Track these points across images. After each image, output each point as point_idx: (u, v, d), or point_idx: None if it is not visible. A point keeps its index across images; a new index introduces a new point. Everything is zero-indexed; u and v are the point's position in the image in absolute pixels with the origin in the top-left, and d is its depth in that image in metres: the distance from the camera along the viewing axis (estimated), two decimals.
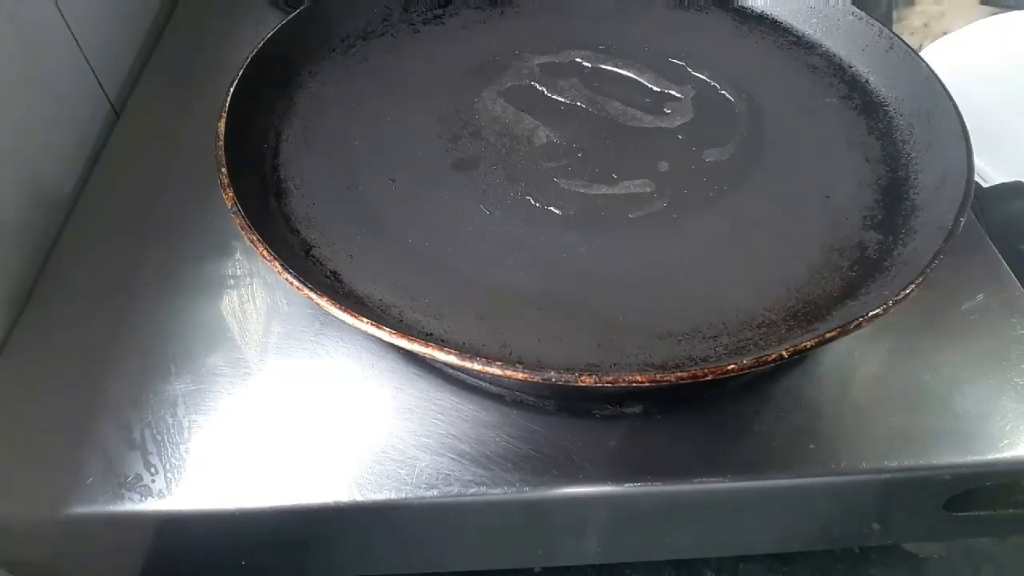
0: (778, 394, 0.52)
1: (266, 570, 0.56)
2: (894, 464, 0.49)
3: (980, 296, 0.57)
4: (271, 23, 0.65)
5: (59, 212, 0.63)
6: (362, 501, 0.47)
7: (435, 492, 0.47)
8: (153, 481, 0.47)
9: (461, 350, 0.44)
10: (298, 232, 0.55)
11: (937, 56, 0.86)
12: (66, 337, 0.54)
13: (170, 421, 0.50)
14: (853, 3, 0.68)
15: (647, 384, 0.42)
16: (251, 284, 0.57)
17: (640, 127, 0.63)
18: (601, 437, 0.50)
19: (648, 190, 0.58)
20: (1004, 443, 0.49)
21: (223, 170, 0.52)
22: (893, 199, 0.56)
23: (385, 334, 0.44)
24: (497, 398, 0.51)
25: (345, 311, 0.45)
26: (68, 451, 0.48)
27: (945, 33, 0.91)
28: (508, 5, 0.74)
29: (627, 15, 0.73)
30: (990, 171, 0.75)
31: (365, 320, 0.44)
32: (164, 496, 0.47)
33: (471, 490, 0.47)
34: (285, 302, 0.56)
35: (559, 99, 0.65)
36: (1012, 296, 0.57)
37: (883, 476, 0.49)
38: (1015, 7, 0.93)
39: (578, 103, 0.65)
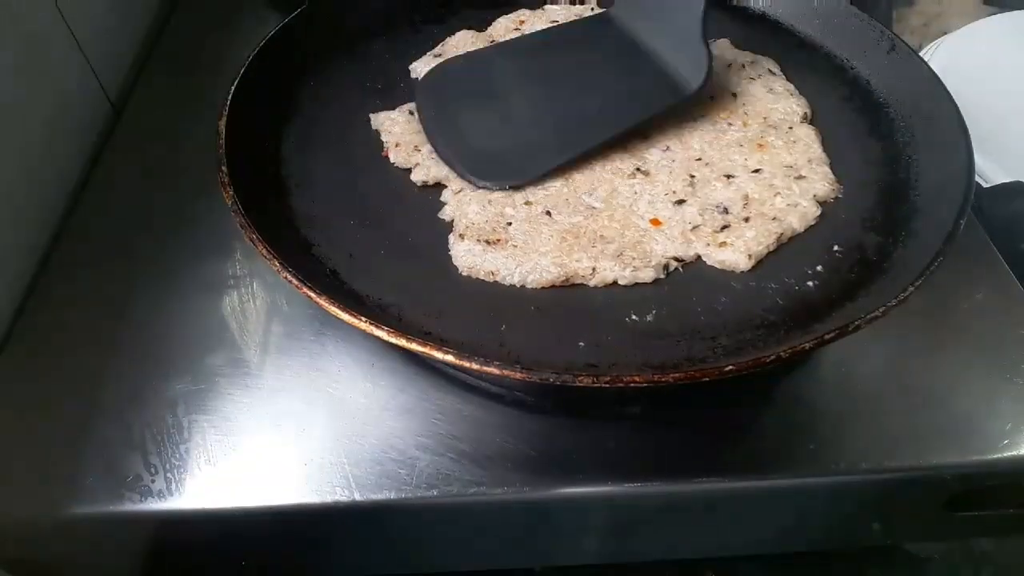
0: (778, 394, 0.52)
1: (266, 570, 0.56)
2: (894, 464, 0.49)
3: (980, 296, 0.57)
4: (271, 23, 0.65)
5: (59, 211, 0.63)
6: (362, 501, 0.47)
7: (435, 492, 0.47)
8: (153, 481, 0.47)
9: (459, 350, 0.44)
10: (298, 231, 0.55)
11: (937, 56, 0.86)
12: (66, 337, 0.54)
13: (170, 421, 0.50)
14: (853, 4, 0.68)
15: (645, 385, 0.42)
16: (251, 284, 0.57)
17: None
18: (601, 437, 0.50)
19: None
20: (1004, 443, 0.49)
21: (223, 169, 0.52)
22: (893, 201, 0.56)
23: (384, 333, 0.44)
24: (497, 398, 0.51)
25: (344, 310, 0.45)
26: (68, 451, 0.49)
27: (945, 33, 0.91)
28: (508, 6, 0.74)
29: None
30: (990, 171, 0.75)
31: (364, 319, 0.44)
32: (164, 496, 0.47)
33: (471, 490, 0.47)
34: (285, 302, 0.56)
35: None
36: (1012, 296, 0.57)
37: (883, 476, 0.49)
38: (1015, 7, 0.93)
39: None
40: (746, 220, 0.54)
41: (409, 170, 0.59)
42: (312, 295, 0.46)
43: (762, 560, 0.64)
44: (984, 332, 0.55)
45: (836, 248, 0.54)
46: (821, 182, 0.57)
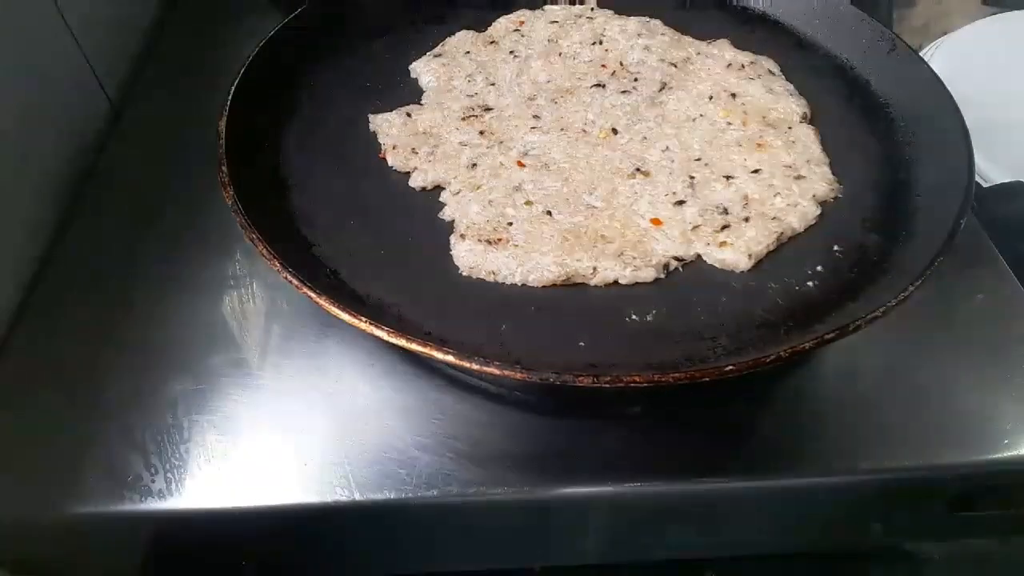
0: (778, 394, 0.52)
1: (266, 570, 0.56)
2: (894, 464, 0.49)
3: (980, 296, 0.57)
4: (271, 23, 0.65)
5: (59, 211, 0.63)
6: (362, 501, 0.47)
7: (435, 492, 0.47)
8: (153, 481, 0.47)
9: (459, 350, 0.44)
10: (298, 231, 0.55)
11: (937, 56, 0.86)
12: (66, 337, 0.54)
13: (170, 421, 0.50)
14: (853, 4, 0.68)
15: (645, 385, 0.42)
16: (251, 284, 0.57)
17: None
18: (601, 437, 0.50)
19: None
20: (1004, 443, 0.49)
21: (223, 168, 0.52)
22: (894, 201, 0.56)
23: (384, 333, 0.44)
24: (497, 398, 0.51)
25: (344, 310, 0.45)
26: (68, 451, 0.48)
27: (945, 33, 0.91)
28: (508, 6, 0.74)
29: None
30: (990, 171, 0.75)
31: (364, 319, 0.44)
32: (164, 496, 0.47)
33: (471, 490, 0.47)
34: (285, 302, 0.56)
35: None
36: (1012, 296, 0.57)
37: (883, 476, 0.49)
38: (1015, 7, 0.93)
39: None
40: (746, 220, 0.54)
41: (408, 172, 0.59)
42: (312, 295, 0.46)
43: (762, 560, 0.64)
44: (984, 332, 0.55)
45: (836, 248, 0.54)
46: (820, 182, 0.57)
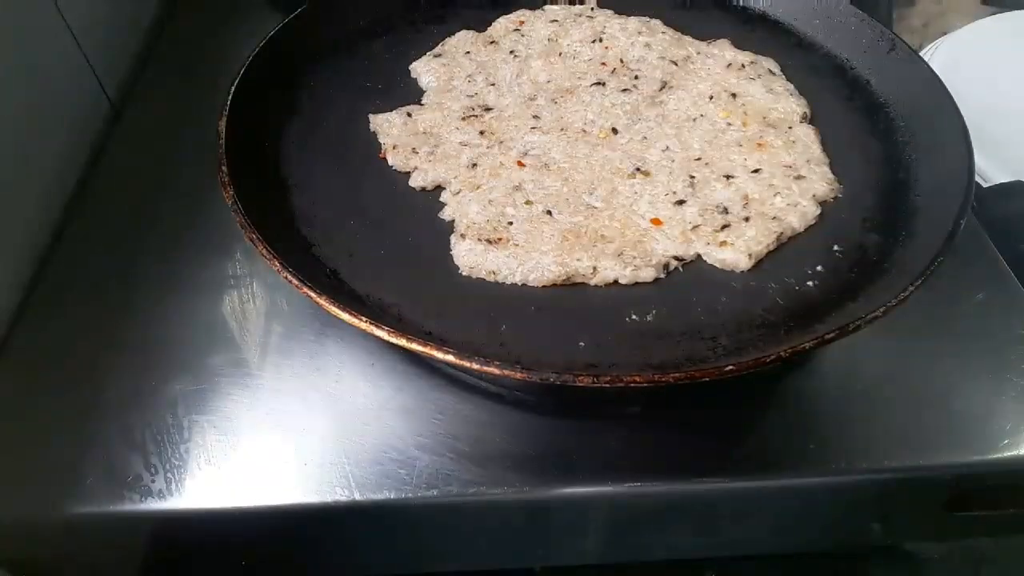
0: (778, 394, 0.52)
1: (266, 570, 0.56)
2: (894, 464, 0.49)
3: (980, 296, 0.57)
4: (271, 23, 0.65)
5: (59, 211, 0.63)
6: (362, 501, 0.47)
7: (435, 492, 0.47)
8: (153, 481, 0.47)
9: (459, 350, 0.44)
10: (298, 231, 0.55)
11: (937, 56, 0.86)
12: (66, 337, 0.54)
13: (170, 421, 0.50)
14: (853, 4, 0.68)
15: (645, 385, 0.42)
16: (251, 284, 0.57)
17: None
18: (601, 437, 0.50)
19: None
20: (1004, 443, 0.49)
21: (223, 168, 0.52)
22: (893, 201, 0.56)
23: (384, 333, 0.44)
24: (497, 398, 0.51)
25: (344, 310, 0.45)
26: (68, 451, 0.48)
27: (945, 33, 0.91)
28: (508, 6, 0.74)
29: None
30: (990, 171, 0.75)
31: (364, 319, 0.44)
32: (164, 496, 0.47)
33: (471, 490, 0.47)
34: (285, 302, 0.56)
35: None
36: (1012, 296, 0.57)
37: (883, 476, 0.49)
38: (1015, 7, 0.93)
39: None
40: (746, 220, 0.54)
41: (408, 172, 0.59)
42: (312, 295, 0.46)
43: (762, 560, 0.64)
44: (984, 332, 0.55)
45: (836, 248, 0.54)
46: (820, 182, 0.57)
